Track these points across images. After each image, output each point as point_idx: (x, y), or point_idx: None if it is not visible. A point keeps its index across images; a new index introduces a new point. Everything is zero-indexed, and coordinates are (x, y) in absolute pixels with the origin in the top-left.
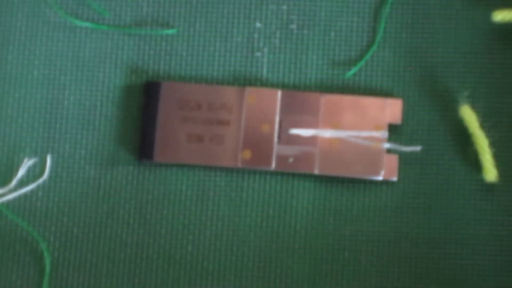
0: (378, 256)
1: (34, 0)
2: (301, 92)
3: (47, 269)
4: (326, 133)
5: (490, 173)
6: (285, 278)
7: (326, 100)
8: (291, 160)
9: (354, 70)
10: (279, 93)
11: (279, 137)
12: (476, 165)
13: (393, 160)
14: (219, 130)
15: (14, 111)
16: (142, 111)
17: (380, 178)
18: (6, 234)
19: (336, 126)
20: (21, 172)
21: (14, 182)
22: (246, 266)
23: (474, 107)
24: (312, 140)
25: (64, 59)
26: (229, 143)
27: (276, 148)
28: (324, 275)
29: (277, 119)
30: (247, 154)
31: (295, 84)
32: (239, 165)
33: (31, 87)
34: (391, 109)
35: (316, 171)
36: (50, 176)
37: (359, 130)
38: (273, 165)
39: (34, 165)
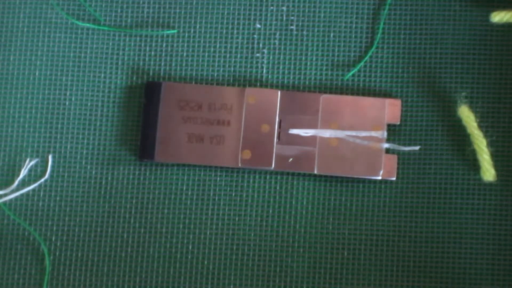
0: (377, 255)
1: (36, 2)
2: (301, 93)
3: (48, 268)
4: (326, 133)
5: (488, 172)
6: (284, 277)
7: (326, 100)
8: (290, 160)
9: (353, 71)
10: (278, 93)
11: (279, 137)
12: (474, 164)
13: (392, 160)
14: (219, 130)
15: (16, 112)
16: (143, 111)
17: (379, 177)
18: (8, 233)
19: (335, 126)
20: (23, 172)
21: (16, 182)
22: (246, 264)
23: (472, 107)
24: (312, 140)
25: (66, 60)
26: (229, 143)
27: (276, 148)
28: (323, 274)
29: (276, 119)
30: (247, 154)
31: (295, 84)
32: (239, 165)
33: (33, 88)
34: (390, 110)
35: (316, 171)
36: (51, 176)
37: (358, 130)
38: (273, 165)
39: (36, 165)
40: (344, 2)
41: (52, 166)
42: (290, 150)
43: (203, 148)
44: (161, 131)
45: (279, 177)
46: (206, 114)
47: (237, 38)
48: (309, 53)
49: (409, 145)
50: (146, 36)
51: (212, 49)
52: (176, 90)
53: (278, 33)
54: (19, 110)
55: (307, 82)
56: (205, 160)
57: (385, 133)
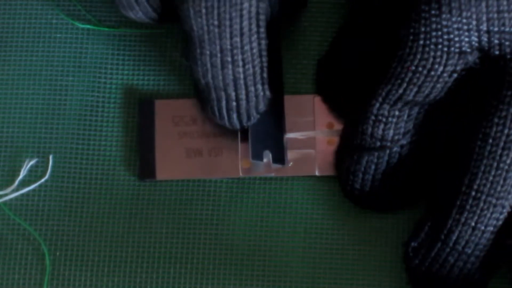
0: (377, 255)
1: (36, 3)
2: (294, 96)
3: (49, 268)
4: (323, 134)
5: None
6: (284, 278)
7: (319, 101)
8: (290, 164)
9: None
10: None
11: None
12: None
13: None
14: (216, 142)
15: (17, 112)
16: (139, 132)
17: None
18: (8, 233)
19: (331, 126)
20: (24, 172)
21: (16, 182)
22: (246, 265)
23: None
24: (310, 142)
25: (66, 61)
26: (227, 153)
27: None
28: (323, 275)
29: None
30: (247, 163)
31: (292, 86)
32: (240, 174)
33: (33, 88)
34: None
35: (317, 173)
36: (52, 176)
37: None
38: (274, 172)
39: (36, 165)
40: (342, 2)
41: (53, 166)
42: (289, 154)
43: (202, 161)
44: (159, 149)
45: (279, 178)
46: (201, 127)
47: None
48: (308, 54)
49: None
50: (147, 36)
51: None
52: (169, 106)
53: None
54: (19, 110)
55: (299, 84)
56: (206, 174)
57: None
